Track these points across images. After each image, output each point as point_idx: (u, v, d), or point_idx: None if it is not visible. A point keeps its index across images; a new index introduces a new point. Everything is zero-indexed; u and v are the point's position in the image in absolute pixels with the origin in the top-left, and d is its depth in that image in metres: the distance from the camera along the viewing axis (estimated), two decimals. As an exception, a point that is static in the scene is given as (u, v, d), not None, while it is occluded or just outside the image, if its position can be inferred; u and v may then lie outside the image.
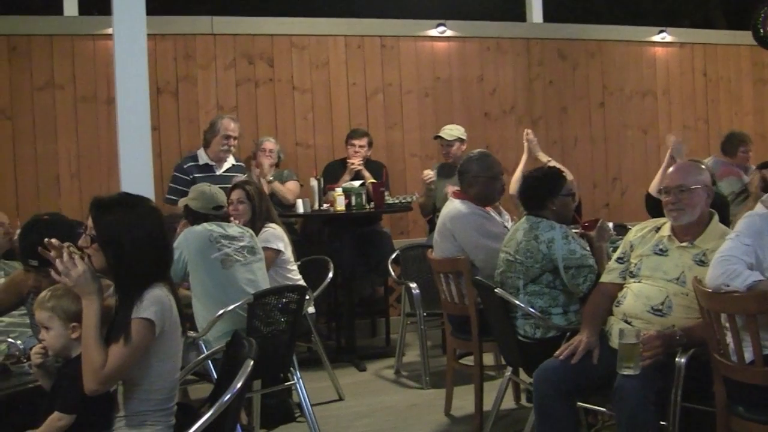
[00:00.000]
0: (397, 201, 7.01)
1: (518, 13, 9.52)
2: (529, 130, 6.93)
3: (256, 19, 8.15)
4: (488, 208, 5.31)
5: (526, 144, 6.80)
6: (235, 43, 7.80)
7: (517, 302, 4.40)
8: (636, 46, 9.34)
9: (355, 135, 7.44)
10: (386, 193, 6.97)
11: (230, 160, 7.04)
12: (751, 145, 7.66)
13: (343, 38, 8.15)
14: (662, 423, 3.54)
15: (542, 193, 4.56)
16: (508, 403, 5.35)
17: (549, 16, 9.11)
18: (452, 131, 7.32)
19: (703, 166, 4.10)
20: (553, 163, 5.76)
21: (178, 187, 6.75)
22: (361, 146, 7.37)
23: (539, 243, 4.37)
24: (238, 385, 2.84)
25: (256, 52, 7.85)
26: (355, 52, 8.17)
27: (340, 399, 5.88)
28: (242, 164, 7.25)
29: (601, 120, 9.07)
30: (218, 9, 9.07)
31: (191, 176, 6.81)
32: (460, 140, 7.30)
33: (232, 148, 6.99)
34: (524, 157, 6.75)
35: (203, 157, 6.96)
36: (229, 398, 2.80)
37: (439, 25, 8.40)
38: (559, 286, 4.38)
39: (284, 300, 4.89)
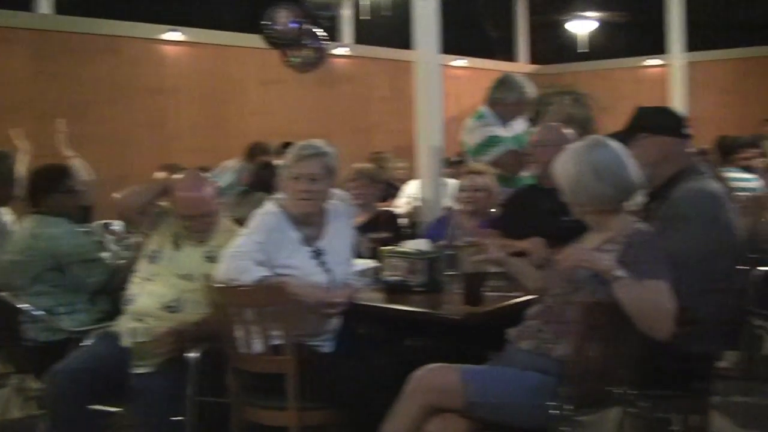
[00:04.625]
0: None
1: (25, 3, 8.97)
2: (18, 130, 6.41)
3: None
4: None
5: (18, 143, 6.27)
6: None
7: (20, 305, 4.12)
8: (149, 43, 9.32)
9: None
10: None
11: None
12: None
13: None
14: (179, 418, 3.54)
15: (42, 188, 4.34)
16: (17, 412, 5.01)
17: (60, 8, 8.72)
18: None
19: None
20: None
21: None
22: None
23: (42, 240, 4.17)
24: None
25: None
26: None
27: None
28: None
29: (113, 117, 8.90)
30: None
31: None
32: None
33: None
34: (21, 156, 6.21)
35: None
36: None
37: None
38: (66, 284, 4.20)
39: None
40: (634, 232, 3.07)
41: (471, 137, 5.32)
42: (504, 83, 5.42)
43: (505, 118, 5.34)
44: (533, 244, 4.01)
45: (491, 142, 5.19)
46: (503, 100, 5.34)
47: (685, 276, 3.03)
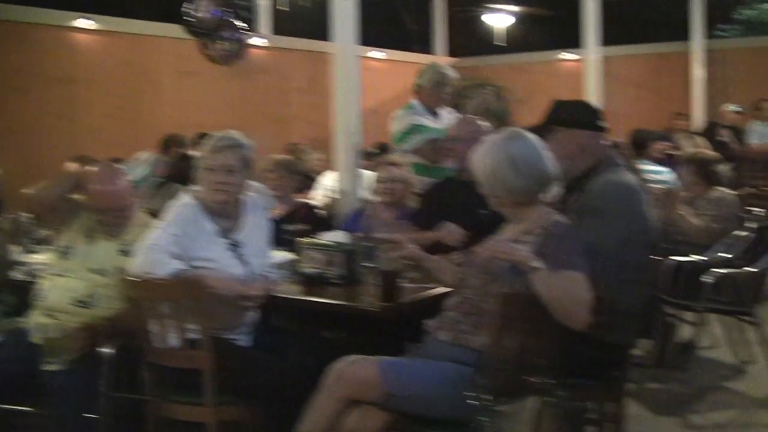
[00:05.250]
0: None
1: None
2: None
3: None
4: None
5: None
6: None
7: None
8: (60, 31, 9.08)
9: None
10: None
11: None
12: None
13: None
14: (93, 416, 3.46)
15: None
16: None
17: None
18: None
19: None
20: None
21: None
22: None
23: None
24: None
25: None
26: None
27: None
28: None
29: (22, 107, 8.64)
30: None
31: None
32: None
33: None
34: None
35: None
36: None
37: None
38: None
39: None
40: (551, 223, 3.10)
41: (396, 126, 5.41)
42: (425, 70, 5.61)
43: (431, 107, 5.45)
44: (448, 231, 4.04)
45: (413, 130, 5.29)
46: (423, 86, 5.48)
47: (601, 266, 3.07)
